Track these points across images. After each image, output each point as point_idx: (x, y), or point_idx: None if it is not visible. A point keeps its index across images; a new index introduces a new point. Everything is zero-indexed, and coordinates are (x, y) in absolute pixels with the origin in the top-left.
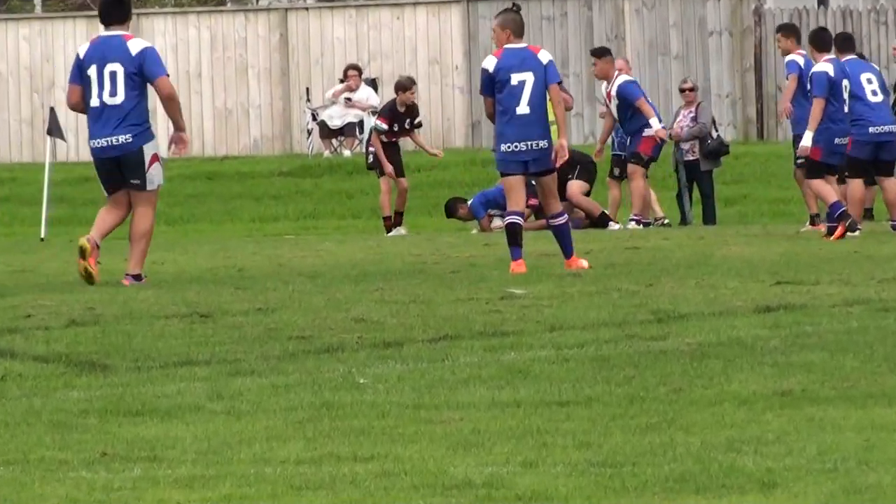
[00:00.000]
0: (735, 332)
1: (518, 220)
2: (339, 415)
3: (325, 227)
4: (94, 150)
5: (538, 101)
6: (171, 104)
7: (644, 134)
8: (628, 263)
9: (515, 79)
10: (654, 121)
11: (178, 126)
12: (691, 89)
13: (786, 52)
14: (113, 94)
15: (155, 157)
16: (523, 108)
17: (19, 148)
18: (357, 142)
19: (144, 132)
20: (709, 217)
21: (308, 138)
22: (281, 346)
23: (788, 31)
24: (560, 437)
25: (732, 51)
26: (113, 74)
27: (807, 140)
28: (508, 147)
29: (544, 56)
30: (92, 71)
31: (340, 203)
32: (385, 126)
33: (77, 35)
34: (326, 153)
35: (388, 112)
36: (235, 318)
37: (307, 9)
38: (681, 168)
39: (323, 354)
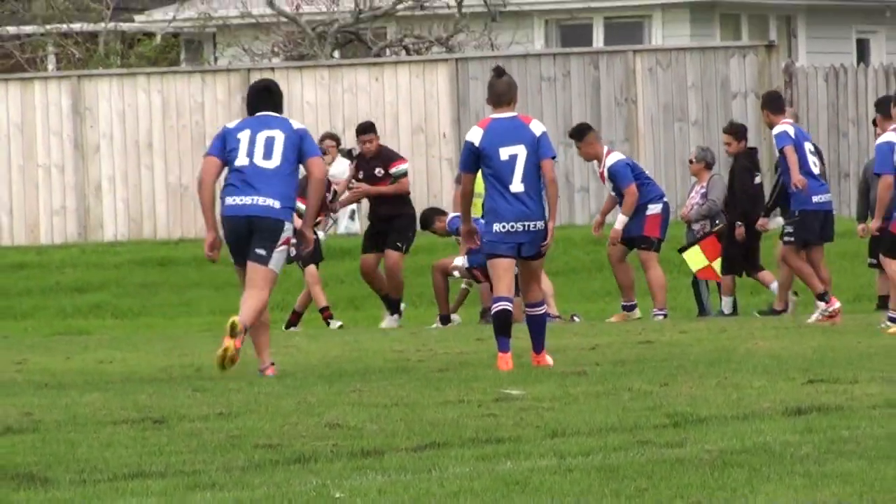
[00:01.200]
0: (762, 437)
1: (508, 306)
2: None
3: None
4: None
5: (533, 178)
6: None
7: (647, 213)
8: (640, 360)
9: (504, 153)
10: (652, 206)
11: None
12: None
13: (771, 125)
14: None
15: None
16: (517, 186)
17: None
18: (331, 222)
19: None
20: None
21: None
22: (245, 456)
23: (768, 103)
24: None
25: (759, 115)
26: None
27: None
28: (503, 227)
29: (537, 127)
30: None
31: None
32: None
33: (9, 99)
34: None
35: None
36: (193, 424)
37: (273, 69)
38: None
39: (293, 465)
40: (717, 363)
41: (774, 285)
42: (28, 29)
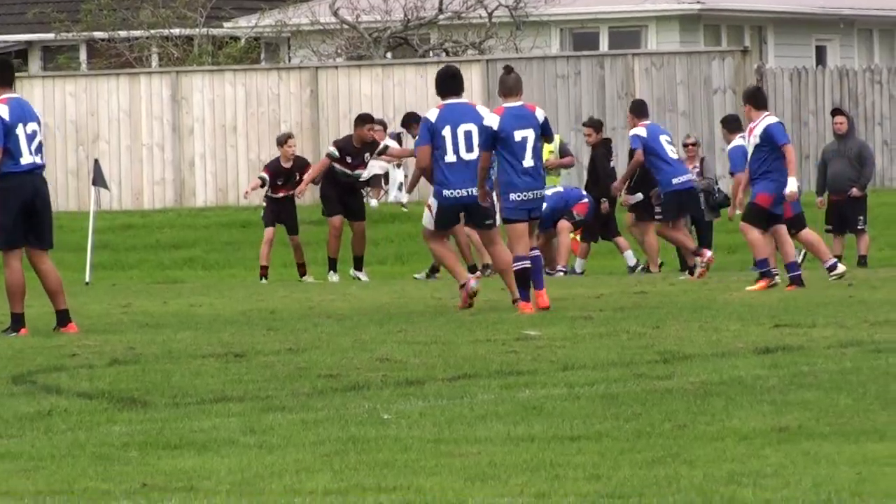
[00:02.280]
0: (736, 371)
1: (527, 264)
2: (364, 448)
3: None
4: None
5: (539, 155)
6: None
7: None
8: (636, 307)
9: (518, 135)
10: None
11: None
12: (694, 144)
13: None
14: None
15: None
16: (529, 162)
17: (66, 198)
18: (383, 192)
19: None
20: None
21: None
22: (310, 384)
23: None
24: (571, 470)
25: (736, 108)
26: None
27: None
28: (519, 196)
29: (540, 114)
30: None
31: (367, 250)
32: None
33: (119, 91)
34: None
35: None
36: (268, 358)
37: (336, 67)
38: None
39: (349, 392)
40: (700, 310)
41: (628, 252)
42: (136, 33)
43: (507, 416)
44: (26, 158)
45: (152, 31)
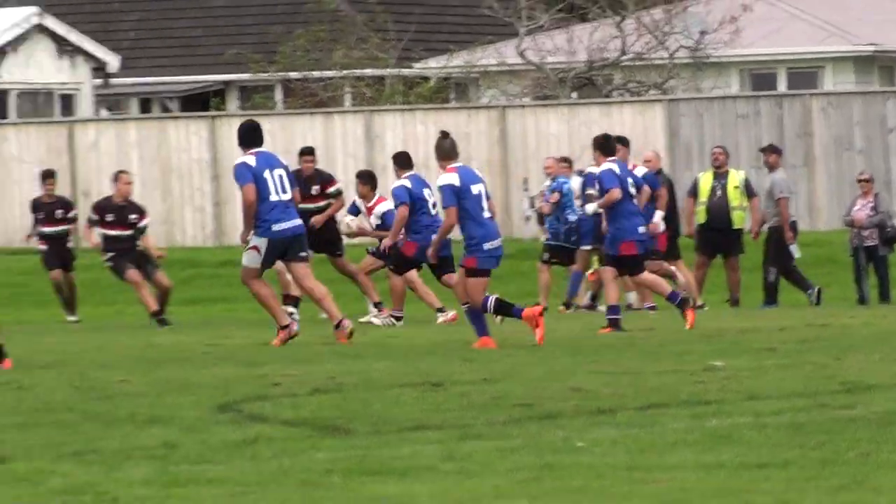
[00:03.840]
0: None
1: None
2: (559, 475)
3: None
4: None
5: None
6: None
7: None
8: (818, 339)
9: (475, 189)
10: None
11: None
12: (867, 180)
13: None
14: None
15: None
16: (486, 213)
17: None
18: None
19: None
20: (884, 296)
21: (527, 223)
22: (506, 413)
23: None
24: (760, 497)
25: None
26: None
27: None
28: (492, 245)
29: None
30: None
31: (556, 284)
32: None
33: (315, 129)
34: (542, 238)
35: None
36: (464, 387)
37: (523, 106)
38: (860, 252)
39: (543, 420)
40: (881, 342)
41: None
42: (329, 73)
43: (697, 444)
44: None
45: (345, 72)
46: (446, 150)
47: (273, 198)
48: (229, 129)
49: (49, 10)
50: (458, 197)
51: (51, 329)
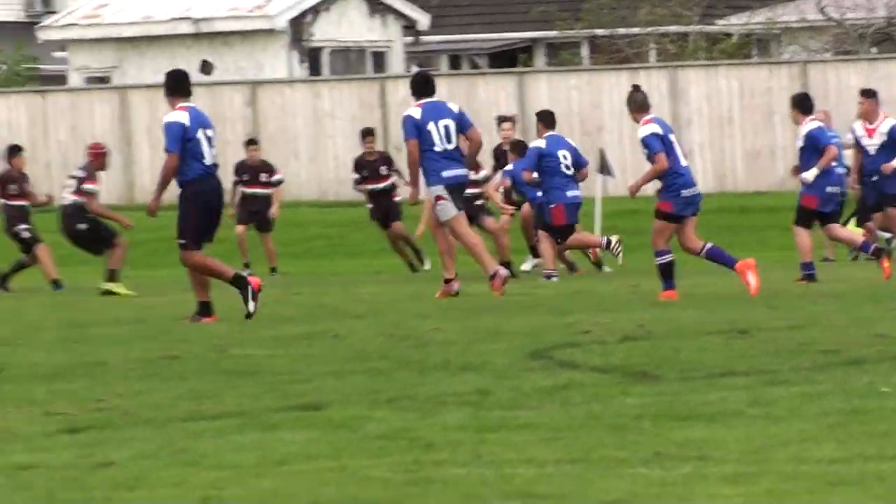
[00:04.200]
0: None
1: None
2: (865, 419)
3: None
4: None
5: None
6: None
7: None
8: None
9: (672, 138)
10: None
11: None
12: None
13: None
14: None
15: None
16: (684, 161)
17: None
18: None
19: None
20: None
21: None
22: (811, 359)
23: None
24: None
25: None
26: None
27: None
28: (690, 192)
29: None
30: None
31: None
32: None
33: (620, 85)
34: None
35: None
36: (770, 334)
37: (825, 62)
38: None
39: (849, 366)
40: None
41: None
42: (634, 30)
43: None
44: (209, 161)
45: (650, 29)
46: (639, 102)
47: (437, 148)
48: (536, 86)
49: None
50: (663, 143)
51: (364, 280)
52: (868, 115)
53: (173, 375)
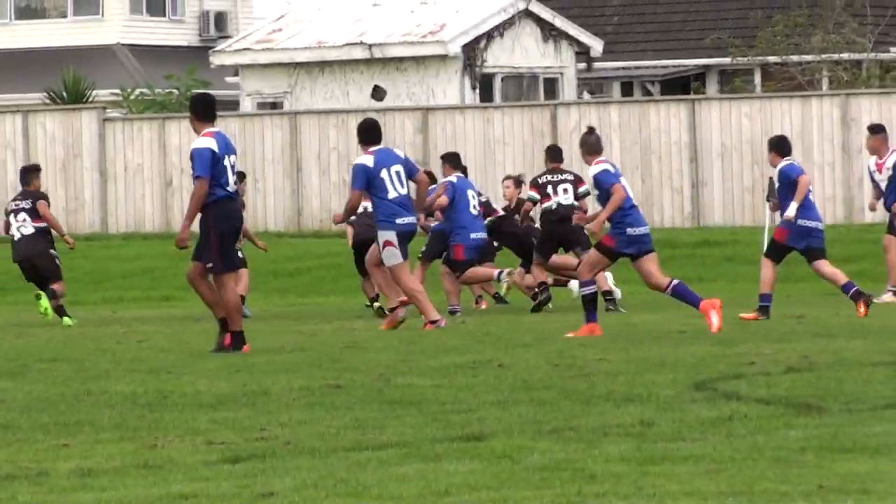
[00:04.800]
0: None
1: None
2: None
3: None
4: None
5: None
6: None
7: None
8: None
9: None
10: None
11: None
12: None
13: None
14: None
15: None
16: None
17: (741, 213)
18: None
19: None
20: None
21: None
22: None
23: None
24: None
25: None
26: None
27: None
28: (638, 231)
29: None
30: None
31: None
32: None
33: (792, 112)
34: None
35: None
36: None
37: None
38: None
39: None
40: None
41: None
42: (807, 57)
43: None
44: (231, 187)
45: (822, 56)
46: (592, 145)
47: (391, 195)
48: (708, 113)
49: None
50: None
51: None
52: (876, 151)
53: (337, 405)
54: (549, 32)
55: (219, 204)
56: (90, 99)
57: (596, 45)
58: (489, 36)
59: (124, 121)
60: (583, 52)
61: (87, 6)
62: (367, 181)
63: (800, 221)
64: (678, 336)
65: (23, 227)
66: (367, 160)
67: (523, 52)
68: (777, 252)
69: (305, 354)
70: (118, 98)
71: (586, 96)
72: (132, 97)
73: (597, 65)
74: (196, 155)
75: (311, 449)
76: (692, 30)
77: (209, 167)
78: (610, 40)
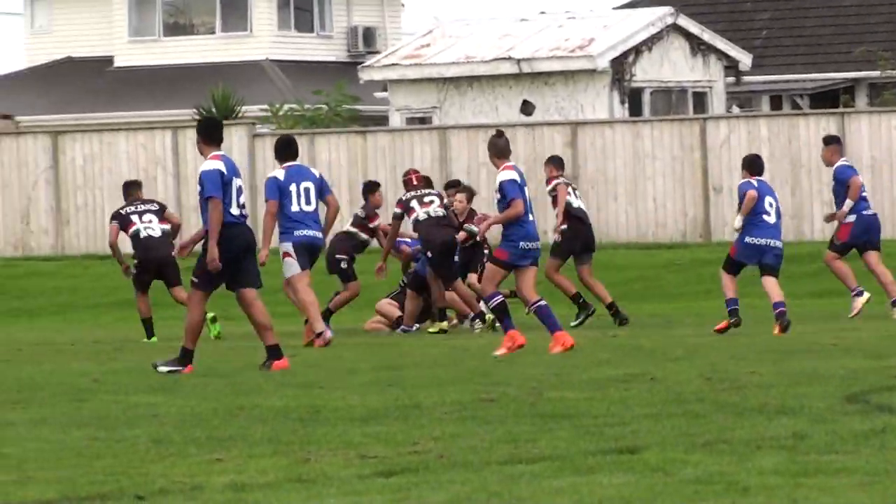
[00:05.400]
0: None
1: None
2: None
3: None
4: None
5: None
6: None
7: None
8: None
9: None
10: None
11: None
12: None
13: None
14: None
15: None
16: (531, 215)
17: (892, 225)
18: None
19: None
20: None
21: None
22: None
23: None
24: None
25: None
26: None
27: None
28: (529, 245)
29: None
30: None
31: None
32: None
33: None
34: None
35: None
36: None
37: None
38: None
39: None
40: None
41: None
42: None
43: None
44: (235, 210)
45: None
46: (500, 148)
47: (293, 208)
48: (858, 126)
49: (683, 10)
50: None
51: (682, 322)
52: (828, 163)
53: (490, 418)
54: (698, 46)
55: (224, 228)
56: (239, 115)
57: (745, 59)
58: (637, 50)
59: (273, 136)
60: (731, 66)
61: (235, 22)
62: (278, 192)
63: (746, 238)
64: (830, 349)
65: (149, 228)
66: (279, 174)
67: (672, 66)
68: (729, 265)
69: (457, 368)
70: (267, 114)
71: (735, 110)
72: (281, 113)
73: (745, 78)
74: (205, 177)
75: (464, 462)
76: (841, 43)
77: (219, 187)
78: (758, 54)
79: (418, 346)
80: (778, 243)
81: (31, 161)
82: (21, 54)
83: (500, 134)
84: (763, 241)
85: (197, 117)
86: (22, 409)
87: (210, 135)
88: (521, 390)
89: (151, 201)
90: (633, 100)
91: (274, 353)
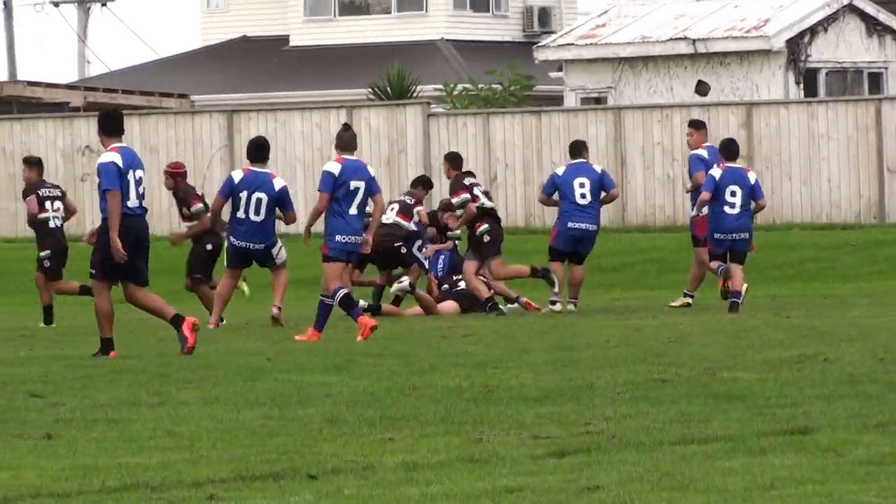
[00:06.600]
0: None
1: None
2: None
3: None
4: None
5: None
6: None
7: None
8: None
9: (353, 185)
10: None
11: None
12: None
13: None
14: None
15: None
16: (354, 210)
17: None
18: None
19: None
20: None
21: None
22: None
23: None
24: None
25: None
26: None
27: None
28: (346, 239)
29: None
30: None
31: None
32: None
33: None
34: None
35: None
36: None
37: None
38: None
39: None
40: None
41: None
42: None
43: None
44: (133, 202)
45: None
46: (346, 141)
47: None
48: None
49: None
50: (335, 187)
51: (856, 303)
52: (694, 147)
53: (662, 399)
54: (874, 27)
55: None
56: (414, 94)
57: None
58: (813, 31)
59: (448, 116)
60: None
61: (410, 2)
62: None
63: (716, 235)
64: None
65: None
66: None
67: (847, 46)
68: (703, 246)
69: (630, 349)
70: (441, 93)
71: None
72: (455, 92)
73: None
74: (102, 170)
75: (636, 443)
76: None
77: (116, 179)
78: None
79: (592, 326)
80: None
81: (207, 140)
82: (196, 33)
83: (346, 128)
84: (723, 237)
85: (372, 97)
86: (195, 388)
87: (110, 127)
88: (694, 371)
89: (56, 186)
90: (809, 80)
91: (107, 346)
